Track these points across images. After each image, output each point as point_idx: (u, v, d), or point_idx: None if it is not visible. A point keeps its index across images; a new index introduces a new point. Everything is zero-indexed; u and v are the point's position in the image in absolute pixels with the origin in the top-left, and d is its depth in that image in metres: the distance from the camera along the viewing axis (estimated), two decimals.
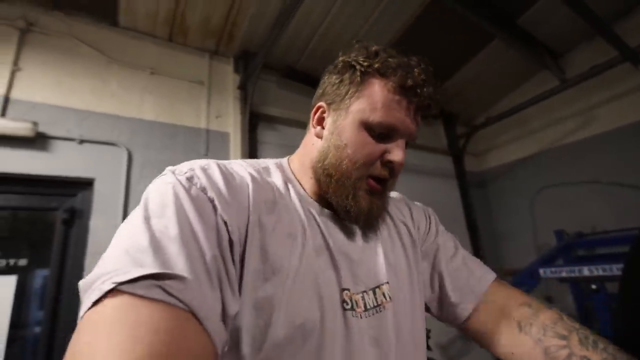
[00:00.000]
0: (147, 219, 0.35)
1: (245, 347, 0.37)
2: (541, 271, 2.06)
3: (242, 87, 2.19)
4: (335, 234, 0.50)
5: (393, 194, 0.67)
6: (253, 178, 0.46)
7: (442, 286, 0.59)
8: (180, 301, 0.30)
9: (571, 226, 2.54)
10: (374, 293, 0.48)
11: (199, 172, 0.42)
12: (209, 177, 0.42)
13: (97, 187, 1.64)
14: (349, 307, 0.44)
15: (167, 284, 0.30)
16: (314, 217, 0.49)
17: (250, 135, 2.15)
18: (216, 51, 2.22)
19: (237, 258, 0.38)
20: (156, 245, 0.32)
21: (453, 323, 0.59)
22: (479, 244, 3.10)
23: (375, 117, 0.47)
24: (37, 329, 1.44)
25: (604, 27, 1.99)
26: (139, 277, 0.29)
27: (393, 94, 0.47)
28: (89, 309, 0.29)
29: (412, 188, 2.34)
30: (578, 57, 2.61)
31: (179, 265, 0.32)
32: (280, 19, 1.77)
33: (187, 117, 2.01)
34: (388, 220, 0.59)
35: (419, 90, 0.46)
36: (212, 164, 0.45)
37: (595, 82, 2.37)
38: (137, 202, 0.40)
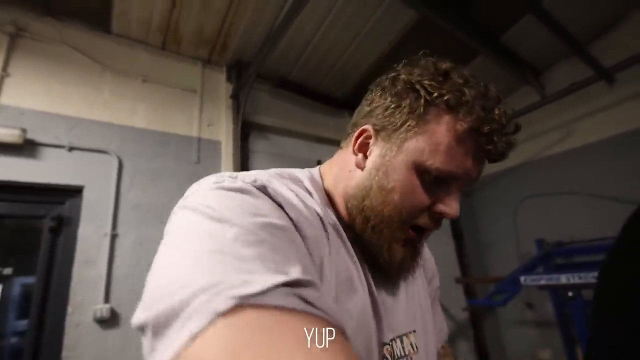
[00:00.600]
0: (221, 221, 0.29)
1: None
2: (522, 279, 2.14)
3: (235, 96, 2.21)
4: (375, 276, 0.44)
5: None
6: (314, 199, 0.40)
7: None
8: (323, 311, 0.25)
9: (551, 235, 2.65)
10: (402, 341, 0.44)
11: (270, 184, 0.36)
12: (282, 191, 0.36)
13: (87, 194, 1.63)
14: None
15: (303, 292, 0.24)
16: (356, 254, 0.42)
17: (242, 144, 2.18)
18: (209, 60, 2.24)
19: None
20: (257, 252, 0.26)
21: None
22: (464, 252, 3.18)
23: (435, 162, 0.38)
24: (21, 339, 1.41)
25: (579, 47, 2.11)
26: (270, 287, 0.23)
27: (462, 138, 0.37)
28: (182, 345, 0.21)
29: None
30: (557, 74, 2.74)
31: (295, 271, 0.26)
32: (274, 32, 1.81)
33: (179, 125, 2.02)
34: None
35: (495, 138, 0.37)
36: (271, 177, 0.38)
37: (574, 98, 2.50)
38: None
